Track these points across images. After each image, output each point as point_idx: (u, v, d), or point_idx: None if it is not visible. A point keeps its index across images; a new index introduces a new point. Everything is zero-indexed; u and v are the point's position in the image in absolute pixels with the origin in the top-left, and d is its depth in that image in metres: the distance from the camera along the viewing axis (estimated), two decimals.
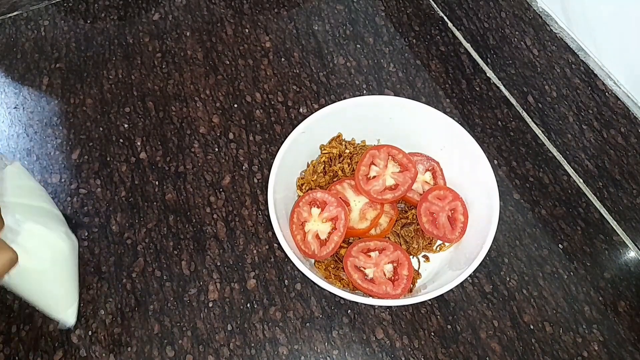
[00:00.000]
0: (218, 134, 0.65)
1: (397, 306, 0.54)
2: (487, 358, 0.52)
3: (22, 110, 0.67)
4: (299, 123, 0.56)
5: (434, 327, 0.54)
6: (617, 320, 0.54)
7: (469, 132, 0.55)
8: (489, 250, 0.57)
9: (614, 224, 0.60)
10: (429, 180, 0.58)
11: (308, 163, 0.59)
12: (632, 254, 0.58)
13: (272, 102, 0.67)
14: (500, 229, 0.59)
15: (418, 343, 0.53)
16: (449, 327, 0.54)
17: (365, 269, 0.51)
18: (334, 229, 0.52)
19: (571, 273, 0.57)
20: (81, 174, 0.62)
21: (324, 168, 0.58)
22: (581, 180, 0.62)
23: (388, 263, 0.51)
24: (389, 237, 0.56)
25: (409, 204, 0.58)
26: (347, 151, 0.59)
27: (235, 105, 0.67)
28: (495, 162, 0.63)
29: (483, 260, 0.57)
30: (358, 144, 0.61)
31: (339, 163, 0.58)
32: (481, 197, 0.53)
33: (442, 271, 0.53)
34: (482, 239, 0.50)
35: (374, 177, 0.55)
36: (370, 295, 0.50)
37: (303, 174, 0.59)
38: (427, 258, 0.56)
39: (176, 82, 0.69)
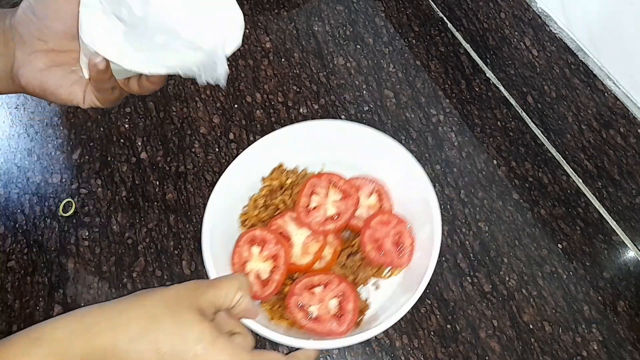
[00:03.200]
0: (218, 134, 0.65)
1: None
2: (487, 357, 0.53)
3: (23, 111, 0.67)
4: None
5: (434, 326, 0.54)
6: (616, 320, 0.54)
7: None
8: (488, 250, 0.58)
9: (613, 223, 0.60)
10: (374, 204, 0.56)
11: (249, 197, 0.56)
12: (631, 253, 0.58)
13: (273, 103, 0.67)
14: (500, 228, 0.59)
15: (418, 342, 0.53)
16: (449, 326, 0.54)
17: (309, 306, 0.49)
18: (275, 267, 0.50)
19: (570, 273, 0.57)
20: (82, 174, 0.62)
21: (265, 202, 0.55)
22: (580, 180, 0.62)
23: (333, 298, 0.49)
24: (334, 270, 0.53)
25: (354, 231, 0.55)
26: (289, 181, 0.56)
27: (236, 106, 0.67)
28: (495, 162, 0.64)
29: (483, 259, 0.57)
30: (300, 172, 0.58)
31: (280, 195, 0.56)
32: (425, 217, 0.52)
33: (395, 296, 0.51)
34: (427, 260, 0.48)
35: (315, 207, 0.53)
36: (315, 334, 0.48)
37: (246, 209, 0.56)
38: (378, 285, 0.53)
39: (176, 83, 0.69)
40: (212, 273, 0.48)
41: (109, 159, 0.63)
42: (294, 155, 0.57)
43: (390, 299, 0.51)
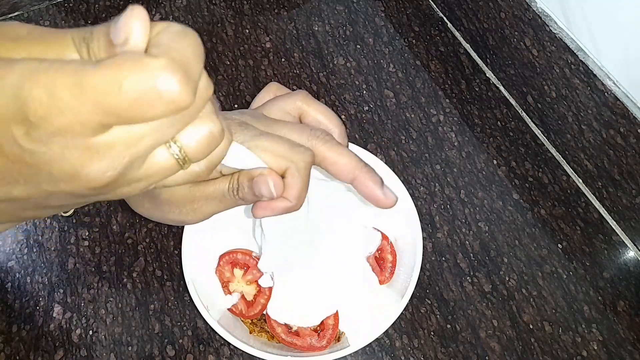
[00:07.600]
0: None
1: None
2: (487, 357, 0.53)
3: None
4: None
5: (434, 326, 0.54)
6: (616, 320, 0.54)
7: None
8: (488, 250, 0.58)
9: (613, 223, 0.60)
10: None
11: None
12: (631, 253, 0.58)
13: None
14: (500, 228, 0.59)
15: (418, 342, 0.53)
16: (449, 326, 0.54)
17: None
18: (259, 292, 0.50)
19: (570, 273, 0.57)
20: None
21: None
22: (580, 180, 0.62)
23: None
24: None
25: None
26: None
27: (236, 106, 0.67)
28: (495, 162, 0.64)
29: (483, 259, 0.57)
30: None
31: None
32: (406, 230, 0.51)
33: (377, 310, 0.50)
34: (409, 276, 0.48)
35: None
36: (295, 349, 0.48)
37: None
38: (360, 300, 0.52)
39: None
40: (192, 289, 0.48)
41: None
42: None
43: (372, 313, 0.50)
